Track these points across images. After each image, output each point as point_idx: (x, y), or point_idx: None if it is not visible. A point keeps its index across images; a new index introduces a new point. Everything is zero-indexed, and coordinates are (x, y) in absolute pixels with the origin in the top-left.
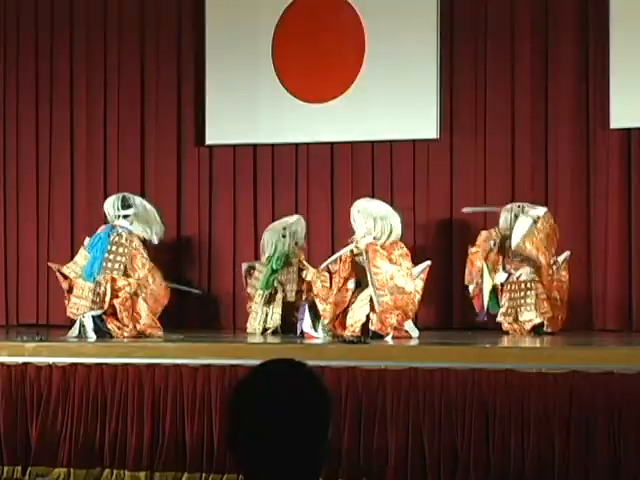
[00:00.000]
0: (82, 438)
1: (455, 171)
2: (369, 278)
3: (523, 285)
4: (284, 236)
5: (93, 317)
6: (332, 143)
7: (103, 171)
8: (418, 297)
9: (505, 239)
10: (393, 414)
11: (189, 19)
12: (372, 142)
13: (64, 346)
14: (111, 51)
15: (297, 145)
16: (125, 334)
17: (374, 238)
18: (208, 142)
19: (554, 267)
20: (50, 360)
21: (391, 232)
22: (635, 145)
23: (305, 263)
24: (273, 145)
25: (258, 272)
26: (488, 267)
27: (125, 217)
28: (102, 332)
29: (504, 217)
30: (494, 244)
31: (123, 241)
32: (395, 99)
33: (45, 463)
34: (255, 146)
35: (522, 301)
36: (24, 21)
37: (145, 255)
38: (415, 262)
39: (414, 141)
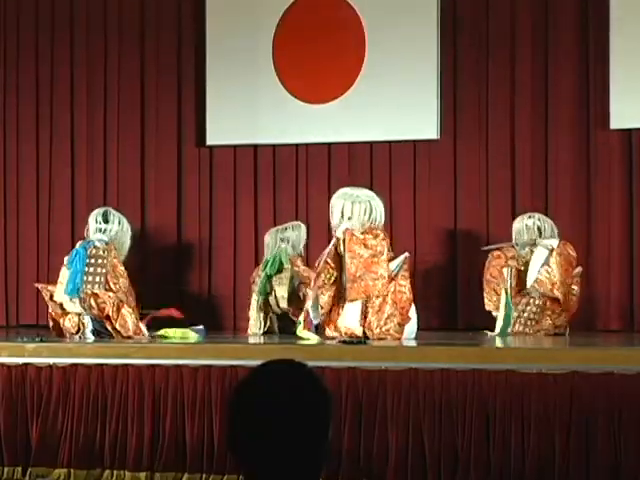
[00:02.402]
0: (82, 439)
1: (456, 172)
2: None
3: (528, 322)
4: (282, 240)
5: (92, 319)
6: (333, 144)
7: (103, 172)
8: (407, 296)
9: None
10: (393, 415)
11: (189, 19)
12: (372, 143)
13: (64, 347)
14: (111, 53)
15: (298, 146)
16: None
17: (348, 219)
18: (208, 143)
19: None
20: (50, 361)
21: (371, 213)
22: (636, 146)
23: (301, 268)
24: (274, 146)
25: (258, 277)
26: (507, 298)
27: (104, 231)
28: (102, 334)
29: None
30: (510, 274)
31: (101, 253)
32: (395, 100)
33: (45, 464)
34: (256, 147)
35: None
36: (24, 24)
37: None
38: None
39: (414, 142)
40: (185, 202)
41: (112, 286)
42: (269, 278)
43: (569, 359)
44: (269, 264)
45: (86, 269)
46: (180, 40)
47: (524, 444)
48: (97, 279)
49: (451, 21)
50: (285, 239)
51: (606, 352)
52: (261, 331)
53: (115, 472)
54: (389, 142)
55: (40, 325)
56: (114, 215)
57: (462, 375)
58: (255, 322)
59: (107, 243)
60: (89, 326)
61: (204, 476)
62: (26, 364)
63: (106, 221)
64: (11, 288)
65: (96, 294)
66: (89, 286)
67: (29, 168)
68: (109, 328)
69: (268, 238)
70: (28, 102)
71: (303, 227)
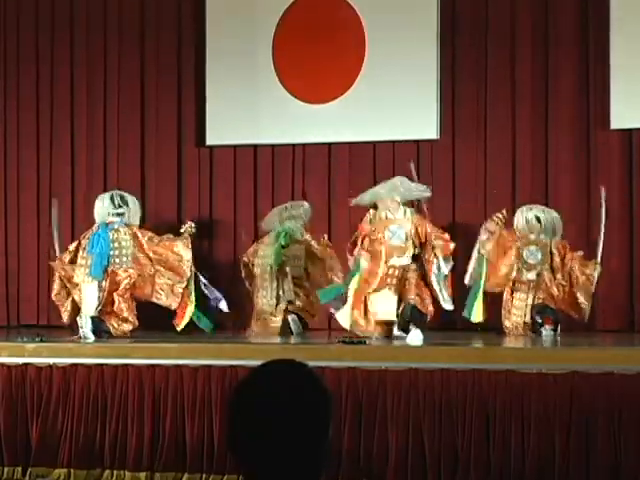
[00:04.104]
0: (82, 439)
1: (456, 171)
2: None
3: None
4: (289, 218)
5: (92, 317)
6: (332, 144)
7: (103, 173)
8: None
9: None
10: (393, 414)
11: (189, 19)
12: (373, 142)
13: (64, 347)
14: (111, 53)
15: (297, 146)
16: (125, 329)
17: None
18: (208, 143)
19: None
20: (50, 361)
21: None
22: (636, 146)
23: (311, 240)
24: (273, 146)
25: (262, 251)
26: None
27: (119, 215)
28: (101, 332)
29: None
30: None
31: (122, 235)
32: (395, 100)
33: (45, 464)
34: (255, 147)
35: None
36: (24, 24)
37: (149, 233)
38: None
39: (414, 142)
40: (185, 202)
41: (144, 258)
42: (283, 248)
43: (569, 359)
44: (282, 236)
45: (111, 253)
46: (180, 40)
47: (524, 444)
48: (124, 260)
49: (451, 21)
50: (292, 217)
51: (606, 352)
52: (274, 301)
53: (115, 472)
54: (389, 142)
55: (40, 325)
56: (124, 197)
57: (462, 375)
58: (267, 292)
59: (125, 224)
60: (89, 325)
61: (204, 476)
62: (26, 364)
63: (118, 205)
64: (12, 289)
65: (115, 272)
66: (116, 267)
67: (29, 170)
68: (108, 324)
69: (272, 216)
70: (28, 103)
71: (306, 204)
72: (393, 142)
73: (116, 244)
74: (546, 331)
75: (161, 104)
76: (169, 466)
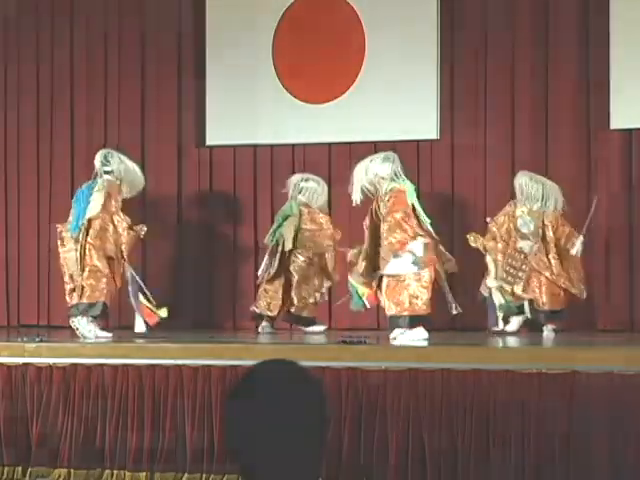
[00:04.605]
0: (82, 439)
1: (455, 171)
2: None
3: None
4: (300, 191)
5: (82, 313)
6: (332, 144)
7: None
8: None
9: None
10: (393, 415)
11: (189, 19)
12: (373, 143)
13: (64, 347)
14: (111, 52)
15: (297, 146)
16: (105, 286)
17: None
18: (208, 143)
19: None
20: (50, 361)
21: None
22: (636, 146)
23: (307, 217)
24: (273, 146)
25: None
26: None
27: (107, 172)
28: (99, 317)
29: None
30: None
31: (99, 186)
32: (395, 100)
33: (45, 464)
34: (255, 147)
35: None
36: (25, 22)
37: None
38: None
39: (414, 141)
40: (185, 203)
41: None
42: (279, 227)
43: (569, 359)
44: (280, 216)
45: (88, 206)
46: (180, 40)
47: (524, 444)
48: (93, 210)
49: (451, 21)
50: (302, 190)
51: (606, 352)
52: (264, 273)
53: (115, 472)
54: (389, 142)
55: (41, 325)
56: (113, 155)
57: (462, 375)
58: (261, 269)
59: (111, 181)
60: (84, 324)
61: (204, 476)
62: (26, 364)
63: (106, 162)
64: (12, 289)
65: (90, 221)
66: (89, 215)
67: (30, 166)
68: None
69: (290, 184)
70: (29, 101)
71: (316, 180)
72: (393, 142)
73: (92, 197)
74: (547, 331)
75: (161, 105)
76: (169, 466)
